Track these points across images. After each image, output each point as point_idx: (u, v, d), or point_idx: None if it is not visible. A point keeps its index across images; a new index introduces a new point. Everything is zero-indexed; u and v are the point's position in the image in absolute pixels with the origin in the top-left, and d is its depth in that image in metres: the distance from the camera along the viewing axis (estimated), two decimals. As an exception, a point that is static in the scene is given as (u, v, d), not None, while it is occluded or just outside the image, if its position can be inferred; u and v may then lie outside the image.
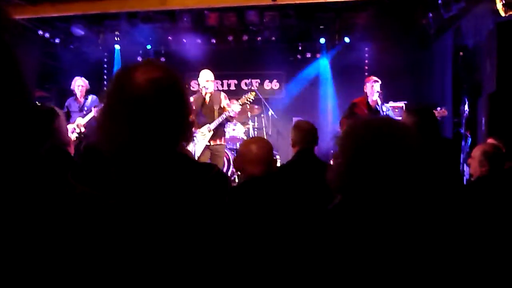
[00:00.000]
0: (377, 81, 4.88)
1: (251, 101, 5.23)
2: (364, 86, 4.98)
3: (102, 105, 1.08)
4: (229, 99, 5.14)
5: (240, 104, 4.95)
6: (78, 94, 5.61)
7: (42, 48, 7.09)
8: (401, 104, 5.73)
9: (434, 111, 4.22)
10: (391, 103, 5.56)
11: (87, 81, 5.69)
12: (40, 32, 6.68)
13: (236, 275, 1.13)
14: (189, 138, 1.15)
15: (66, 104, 5.68)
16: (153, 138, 1.03)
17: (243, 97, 5.07)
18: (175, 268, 1.00)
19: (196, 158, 4.86)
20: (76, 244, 1.00)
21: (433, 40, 6.15)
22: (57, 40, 7.05)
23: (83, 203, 1.00)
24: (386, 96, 5.56)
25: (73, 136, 5.34)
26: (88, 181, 1.03)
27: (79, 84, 5.63)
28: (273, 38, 7.03)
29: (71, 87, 5.67)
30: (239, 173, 4.43)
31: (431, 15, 5.58)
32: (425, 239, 1.22)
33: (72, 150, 2.60)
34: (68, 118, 5.56)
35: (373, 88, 4.85)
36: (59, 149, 2.28)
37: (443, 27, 5.64)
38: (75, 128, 5.40)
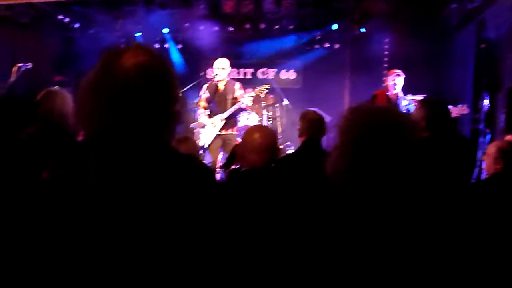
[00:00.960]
0: (399, 75, 4.80)
1: (265, 93, 5.20)
2: (386, 79, 4.91)
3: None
4: (245, 89, 5.11)
5: (252, 96, 4.92)
6: None
7: (62, 33, 7.18)
8: (421, 97, 5.59)
9: (453, 107, 4.10)
10: (410, 96, 5.44)
11: None
12: (60, 17, 6.76)
13: (217, 267, 1.11)
14: (173, 128, 1.10)
15: None
16: (134, 124, 1.00)
17: (257, 89, 5.03)
18: (145, 255, 0.98)
19: (207, 146, 4.87)
20: (50, 228, 1.00)
21: (455, 32, 5.96)
22: (76, 25, 7.13)
23: (60, 187, 1.00)
24: (405, 88, 5.44)
25: None
26: (68, 165, 1.02)
27: None
28: (291, 27, 6.93)
29: None
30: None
31: (454, 5, 5.39)
32: (424, 234, 1.18)
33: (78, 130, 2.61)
34: None
35: (394, 82, 4.78)
36: (54, 128, 2.29)
37: (466, 18, 5.45)
38: None
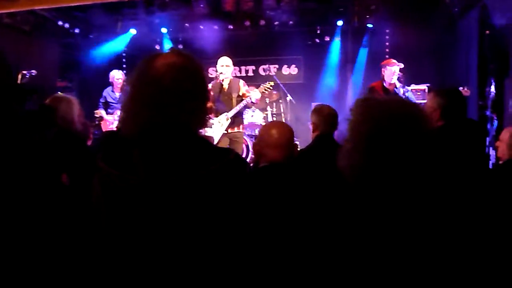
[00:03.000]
0: (393, 65, 4.80)
1: (270, 89, 5.20)
2: (381, 70, 4.91)
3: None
4: (248, 86, 5.10)
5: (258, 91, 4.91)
6: (117, 87, 5.78)
7: (63, 38, 7.18)
8: (424, 86, 5.59)
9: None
10: (413, 86, 5.43)
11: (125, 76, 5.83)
12: (60, 23, 6.75)
13: (248, 255, 1.14)
14: (205, 123, 1.17)
15: (103, 94, 5.85)
16: (169, 119, 1.07)
17: (261, 86, 5.02)
18: (191, 246, 1.04)
19: (215, 145, 4.87)
20: (100, 220, 1.04)
21: (458, 19, 5.93)
22: (76, 30, 7.12)
23: (108, 183, 1.04)
24: (408, 79, 5.41)
25: (114, 127, 5.57)
26: (113, 163, 1.07)
27: (118, 77, 5.78)
28: (291, 22, 6.92)
29: (110, 80, 5.81)
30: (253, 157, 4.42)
31: (455, -8, 5.38)
32: (444, 225, 1.16)
33: (87, 134, 2.64)
34: (106, 108, 5.80)
35: (389, 72, 4.77)
36: (66, 133, 2.32)
37: (468, 4, 5.42)
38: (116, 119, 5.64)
